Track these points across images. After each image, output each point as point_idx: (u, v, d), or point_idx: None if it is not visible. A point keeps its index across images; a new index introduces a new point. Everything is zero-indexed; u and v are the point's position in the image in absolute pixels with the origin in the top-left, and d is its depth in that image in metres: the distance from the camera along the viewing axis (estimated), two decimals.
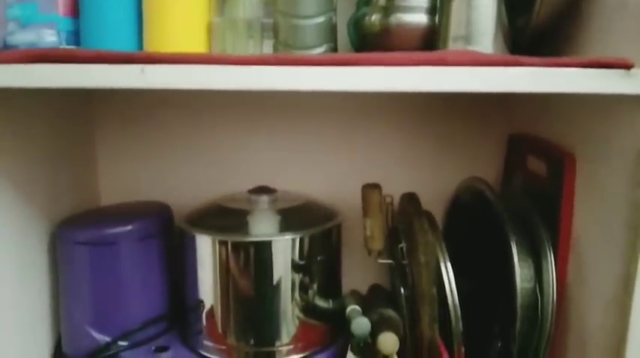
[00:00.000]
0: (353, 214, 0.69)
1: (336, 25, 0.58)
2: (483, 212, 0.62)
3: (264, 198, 0.66)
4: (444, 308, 0.55)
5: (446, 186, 0.75)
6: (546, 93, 0.43)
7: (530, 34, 0.55)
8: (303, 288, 0.62)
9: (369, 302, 0.64)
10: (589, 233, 0.54)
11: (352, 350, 0.58)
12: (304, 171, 0.80)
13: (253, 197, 0.66)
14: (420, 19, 0.56)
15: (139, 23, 0.55)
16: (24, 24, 0.55)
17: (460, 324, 0.55)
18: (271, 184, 0.69)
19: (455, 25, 0.54)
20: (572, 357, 0.56)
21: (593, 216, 0.53)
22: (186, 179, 0.79)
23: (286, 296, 0.61)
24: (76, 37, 0.57)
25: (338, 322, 0.62)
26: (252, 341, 0.61)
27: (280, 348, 0.61)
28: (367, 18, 0.58)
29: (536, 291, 0.55)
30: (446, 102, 0.78)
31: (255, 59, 0.43)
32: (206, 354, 0.62)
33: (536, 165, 0.64)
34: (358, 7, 0.62)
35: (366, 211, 0.65)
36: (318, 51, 0.56)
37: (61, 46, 0.56)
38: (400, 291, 0.61)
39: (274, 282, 0.60)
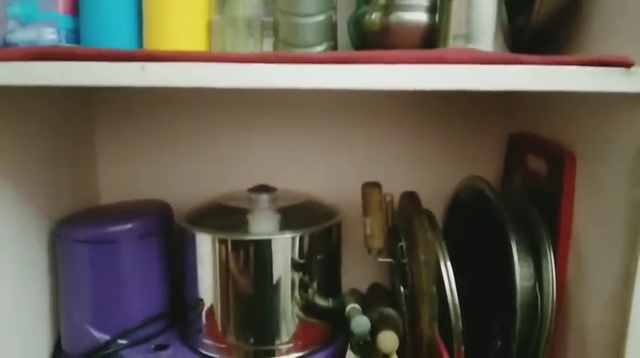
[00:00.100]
0: (353, 213, 0.69)
1: (336, 23, 0.58)
2: (483, 211, 0.62)
3: (264, 197, 0.66)
4: (444, 306, 0.56)
5: (446, 185, 0.75)
6: (546, 91, 0.43)
7: (530, 33, 0.55)
8: (303, 287, 0.62)
9: (369, 300, 0.64)
10: (589, 231, 0.54)
11: (352, 349, 0.58)
12: (304, 170, 0.80)
13: (253, 195, 0.66)
14: (420, 17, 0.56)
15: (139, 21, 0.55)
16: (24, 22, 0.55)
17: (460, 323, 0.55)
18: (271, 183, 0.69)
19: (455, 24, 0.54)
20: (572, 355, 0.56)
21: (593, 214, 0.53)
22: (186, 177, 0.79)
23: (286, 295, 0.61)
24: (75, 35, 0.57)
25: (338, 320, 0.61)
26: (251, 340, 0.61)
27: (280, 347, 0.61)
28: (367, 16, 0.58)
29: (536, 290, 0.55)
30: (446, 101, 0.78)
31: (255, 57, 0.43)
32: (206, 353, 0.62)
33: (536, 164, 0.64)
34: (358, 5, 0.62)
35: (366, 210, 0.65)
36: (318, 49, 0.56)
37: (61, 44, 0.55)
38: (400, 290, 0.61)
39: (274, 281, 0.60)
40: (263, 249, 0.60)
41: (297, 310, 0.61)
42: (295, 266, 0.61)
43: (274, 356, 0.61)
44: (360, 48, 0.62)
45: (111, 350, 0.62)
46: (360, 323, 0.57)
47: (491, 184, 0.63)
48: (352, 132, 0.79)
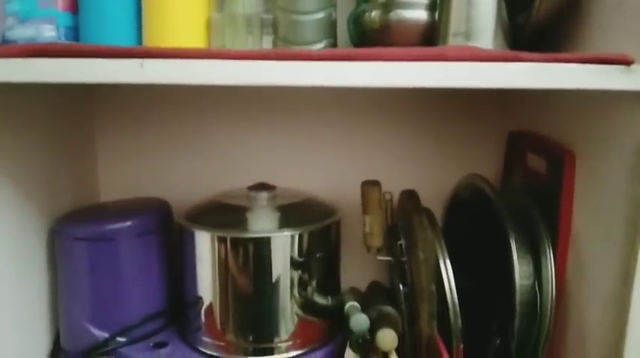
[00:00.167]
0: (352, 211, 0.69)
1: (335, 21, 0.58)
2: (483, 209, 0.62)
3: (264, 195, 0.66)
4: (443, 305, 0.55)
5: (445, 184, 0.75)
6: (546, 89, 0.43)
7: (530, 31, 0.55)
8: (302, 285, 0.62)
9: (368, 299, 0.64)
10: (588, 230, 0.54)
11: (351, 347, 0.58)
12: (304, 168, 0.79)
13: (252, 193, 0.66)
14: (420, 15, 0.56)
15: (139, 18, 0.55)
16: (23, 19, 0.55)
17: (459, 321, 0.55)
18: (271, 181, 0.68)
19: (455, 22, 0.54)
20: (572, 354, 0.56)
21: (593, 212, 0.53)
22: (185, 176, 0.79)
23: (285, 293, 0.61)
24: (75, 32, 0.57)
25: (337, 319, 0.61)
26: (250, 338, 0.61)
27: (279, 345, 0.61)
28: (367, 14, 0.58)
29: (535, 288, 0.55)
30: (445, 99, 0.78)
31: (255, 54, 0.43)
32: (205, 350, 0.62)
33: (536, 163, 0.64)
34: (358, 3, 0.62)
35: (365, 208, 0.65)
36: (318, 47, 0.56)
37: (60, 41, 0.55)
38: (399, 288, 0.61)
39: (273, 279, 0.60)
40: (262, 246, 0.60)
41: (296, 308, 0.61)
42: (294, 264, 0.61)
43: (273, 354, 0.61)
44: (360, 46, 0.62)
45: (110, 347, 0.62)
46: (359, 321, 0.57)
47: (491, 182, 0.63)
48: (352, 131, 0.79)
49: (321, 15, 0.55)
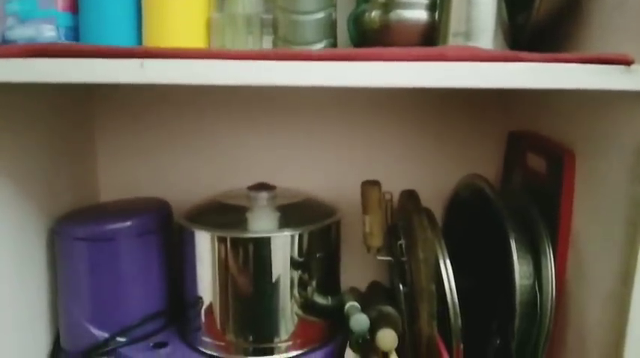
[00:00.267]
0: (352, 211, 0.69)
1: (335, 21, 0.58)
2: (483, 209, 0.62)
3: (264, 195, 0.66)
4: (443, 304, 0.55)
5: (445, 183, 0.75)
6: (546, 89, 0.43)
7: (530, 31, 0.55)
8: (302, 285, 0.62)
9: (368, 299, 0.64)
10: (588, 229, 0.54)
11: (351, 347, 0.58)
12: (304, 168, 0.79)
13: (252, 193, 0.66)
14: (420, 15, 0.56)
15: (139, 18, 0.55)
16: (23, 19, 0.55)
17: (459, 321, 0.55)
18: (271, 181, 0.68)
19: (455, 22, 0.54)
20: (571, 353, 0.56)
21: (593, 212, 0.53)
22: (185, 176, 0.79)
23: (285, 293, 0.61)
24: (75, 32, 0.57)
25: (337, 319, 0.61)
26: (250, 338, 0.61)
27: (279, 344, 0.61)
28: (367, 14, 0.58)
29: (535, 288, 0.55)
30: (445, 99, 0.78)
31: (255, 54, 0.43)
32: (205, 350, 0.62)
33: (536, 162, 0.64)
34: (358, 3, 0.62)
35: (365, 208, 0.65)
36: (318, 47, 0.56)
37: (60, 42, 0.55)
38: (399, 288, 0.61)
39: (273, 279, 0.60)
40: (262, 246, 0.60)
41: (296, 308, 0.61)
42: (294, 264, 0.61)
43: (273, 354, 0.61)
44: (360, 46, 0.62)
45: (110, 347, 0.62)
46: (359, 321, 0.57)
47: (491, 182, 0.63)
48: (352, 131, 0.79)
49: (321, 15, 0.55)
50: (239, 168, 0.79)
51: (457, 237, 0.64)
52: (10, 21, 0.56)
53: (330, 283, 0.66)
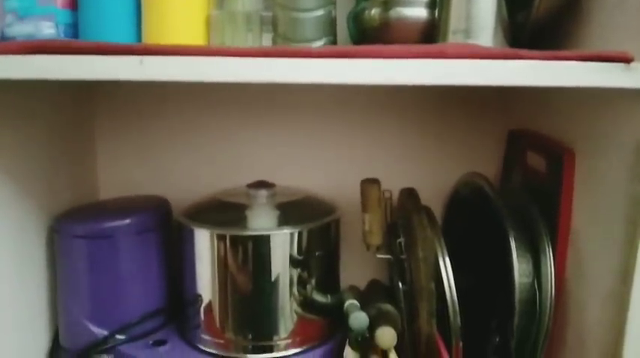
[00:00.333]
0: (352, 209, 0.69)
1: (335, 18, 0.58)
2: (482, 207, 0.62)
3: (263, 193, 0.66)
4: (442, 303, 0.55)
5: (445, 182, 0.75)
6: (546, 86, 0.43)
7: (530, 29, 0.55)
8: (302, 283, 0.62)
9: (368, 297, 0.64)
10: (588, 228, 0.54)
11: (350, 345, 0.58)
12: (303, 166, 0.79)
13: (252, 191, 0.66)
14: (420, 12, 0.56)
15: (138, 15, 0.55)
16: (22, 16, 0.55)
17: (458, 319, 0.55)
18: (270, 179, 0.68)
19: (455, 19, 0.54)
20: (571, 352, 0.56)
21: (592, 211, 0.53)
22: (185, 173, 0.79)
23: (284, 291, 0.61)
24: (74, 29, 0.57)
25: (336, 317, 0.61)
26: (250, 336, 0.61)
27: (278, 342, 0.61)
28: (367, 12, 0.58)
29: (534, 286, 0.55)
30: (445, 98, 0.78)
31: (255, 51, 0.43)
32: (204, 348, 0.62)
33: (536, 161, 0.64)
34: (358, 1, 0.62)
35: (364, 206, 0.65)
36: (318, 44, 0.56)
37: (59, 38, 0.55)
38: (398, 286, 0.61)
39: (272, 276, 0.60)
40: (261, 244, 0.60)
41: (295, 306, 0.61)
42: (294, 262, 0.61)
43: (272, 351, 0.61)
44: (360, 43, 0.62)
45: (109, 345, 0.62)
46: (359, 319, 0.57)
47: (491, 181, 0.63)
48: (351, 129, 0.79)
49: (320, 12, 0.55)
50: (238, 166, 0.79)
51: (457, 235, 0.64)
52: (9, 18, 0.56)
53: (329, 281, 0.66)
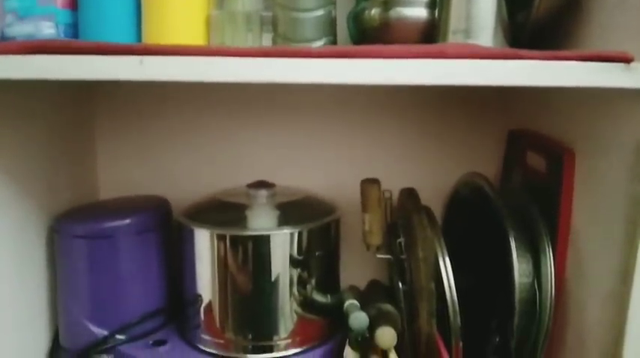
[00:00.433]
0: (352, 209, 0.69)
1: (335, 18, 0.58)
2: (482, 207, 0.62)
3: (263, 193, 0.66)
4: (442, 303, 0.55)
5: (445, 182, 0.75)
6: (546, 86, 0.43)
7: (530, 30, 0.55)
8: (302, 283, 0.62)
9: (367, 297, 0.64)
10: (588, 228, 0.54)
11: (350, 345, 0.58)
12: (303, 166, 0.79)
13: (252, 191, 0.66)
14: (420, 12, 0.56)
15: (138, 16, 0.55)
16: (22, 16, 0.55)
17: (458, 319, 0.55)
18: (270, 179, 0.68)
19: (455, 19, 0.54)
20: (571, 352, 0.56)
21: (592, 211, 0.53)
22: (185, 174, 0.79)
23: (284, 291, 0.61)
24: (74, 29, 0.57)
25: (336, 317, 0.61)
26: (250, 335, 0.61)
27: (278, 342, 0.61)
28: (367, 12, 0.58)
29: (534, 286, 0.55)
30: (445, 98, 0.78)
31: (255, 51, 0.43)
32: (204, 348, 0.62)
33: (536, 161, 0.63)
34: (358, 1, 0.62)
35: (364, 206, 0.65)
36: (318, 44, 0.56)
37: (59, 38, 0.55)
38: (398, 286, 0.61)
39: (272, 277, 0.60)
40: (261, 244, 0.60)
41: (295, 306, 0.61)
42: (294, 262, 0.61)
43: (272, 351, 0.61)
44: (360, 43, 0.62)
45: (109, 345, 0.62)
46: (359, 319, 0.57)
47: (491, 181, 0.63)
48: (351, 129, 0.79)
49: (320, 12, 0.55)
50: (239, 166, 0.79)
51: (457, 235, 0.64)
52: (9, 18, 0.56)
53: (329, 281, 0.66)
